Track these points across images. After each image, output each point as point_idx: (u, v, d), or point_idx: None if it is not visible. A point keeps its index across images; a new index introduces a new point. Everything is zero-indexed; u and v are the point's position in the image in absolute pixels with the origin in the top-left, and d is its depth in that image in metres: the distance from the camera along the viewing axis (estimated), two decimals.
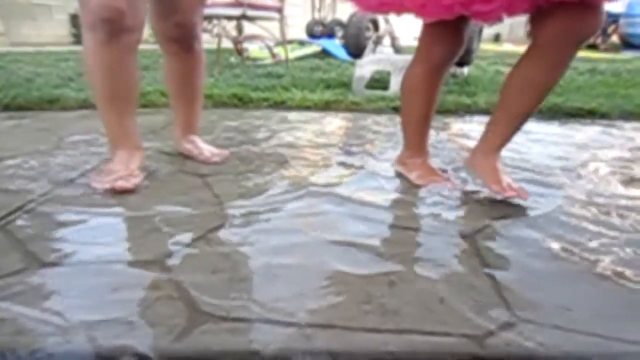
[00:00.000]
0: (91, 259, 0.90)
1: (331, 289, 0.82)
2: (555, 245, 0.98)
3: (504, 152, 1.28)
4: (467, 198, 1.24)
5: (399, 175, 1.41)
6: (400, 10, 1.12)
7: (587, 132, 2.05)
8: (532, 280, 0.86)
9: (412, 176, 1.36)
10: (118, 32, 1.16)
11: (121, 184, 1.21)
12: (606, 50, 5.88)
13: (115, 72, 1.22)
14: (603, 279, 0.87)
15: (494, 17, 1.03)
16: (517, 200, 1.19)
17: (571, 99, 2.51)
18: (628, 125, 2.21)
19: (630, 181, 1.40)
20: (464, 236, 1.03)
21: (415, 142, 1.39)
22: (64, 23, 7.47)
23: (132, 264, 0.89)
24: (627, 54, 5.61)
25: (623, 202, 1.24)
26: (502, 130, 1.21)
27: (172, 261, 0.90)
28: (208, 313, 0.75)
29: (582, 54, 5.05)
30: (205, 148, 1.54)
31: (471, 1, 1.00)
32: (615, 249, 0.97)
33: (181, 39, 1.38)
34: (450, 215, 1.13)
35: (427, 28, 1.22)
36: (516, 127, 1.20)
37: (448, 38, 1.21)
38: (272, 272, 0.87)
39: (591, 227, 1.08)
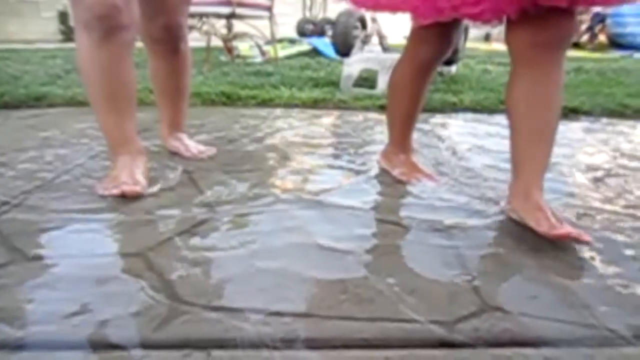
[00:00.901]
0: (75, 252, 0.93)
1: (310, 281, 0.85)
2: (525, 239, 1.02)
3: (489, 147, 1.32)
4: (445, 196, 1.28)
5: (383, 171, 1.44)
6: (394, 10, 1.13)
7: (571, 128, 2.09)
8: (502, 272, 0.90)
9: (395, 172, 1.39)
10: (115, 30, 1.13)
11: (130, 189, 1.16)
12: (594, 49, 5.96)
13: (113, 73, 1.18)
14: (569, 269, 0.91)
15: (484, 19, 1.03)
16: (489, 194, 1.24)
17: None
18: (606, 121, 2.27)
19: (601, 178, 1.45)
20: (437, 229, 1.06)
21: (400, 139, 1.42)
22: (52, 20, 7.43)
23: (115, 257, 0.92)
24: (615, 54, 5.70)
25: (592, 200, 1.28)
26: (534, 160, 1.08)
27: (155, 254, 0.92)
28: (189, 303, 0.77)
29: (569, 53, 5.12)
30: (192, 145, 1.56)
31: (461, 4, 1.01)
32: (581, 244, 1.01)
33: (167, 41, 1.38)
34: (426, 212, 1.17)
35: (416, 28, 1.23)
36: (544, 152, 1.08)
37: (436, 38, 1.22)
38: (253, 265, 0.90)
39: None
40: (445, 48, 1.25)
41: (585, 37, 6.34)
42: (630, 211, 1.20)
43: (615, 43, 6.39)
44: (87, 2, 1.09)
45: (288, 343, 0.69)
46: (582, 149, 1.78)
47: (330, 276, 0.86)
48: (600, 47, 6.33)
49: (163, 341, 0.69)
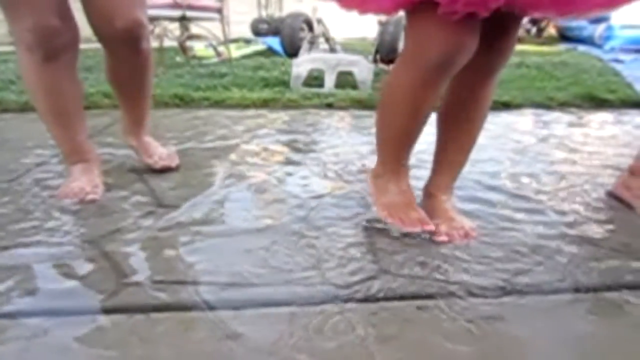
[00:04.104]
0: (39, 240, 1.10)
1: (238, 257, 1.04)
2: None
3: None
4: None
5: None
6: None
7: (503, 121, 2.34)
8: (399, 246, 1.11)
9: (381, 202, 1.18)
10: (56, 52, 1.19)
11: (90, 197, 1.30)
12: (541, 43, 6.32)
13: (58, 91, 1.26)
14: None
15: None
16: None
17: None
18: (534, 113, 2.54)
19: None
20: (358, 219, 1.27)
21: (392, 159, 1.17)
22: (2, 23, 7.29)
23: (73, 244, 1.09)
24: (562, 47, 6.07)
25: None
26: (451, 166, 1.22)
27: (107, 241, 1.10)
28: (135, 280, 0.96)
29: (517, 47, 5.43)
30: (155, 152, 1.54)
31: None
32: (479, 220, 1.24)
33: (128, 41, 1.30)
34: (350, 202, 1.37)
35: (421, 19, 0.94)
36: (463, 160, 1.21)
37: (450, 34, 0.91)
38: (196, 247, 1.09)
39: (469, 206, 1.34)
40: (461, 48, 0.93)
41: (533, 31, 6.70)
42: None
43: (564, 36, 6.78)
44: (27, 25, 1.14)
45: (213, 305, 0.88)
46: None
47: (254, 255, 1.06)
48: (550, 41, 6.71)
49: (111, 307, 0.87)
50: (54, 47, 1.19)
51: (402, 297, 0.91)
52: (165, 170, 1.53)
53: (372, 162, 1.35)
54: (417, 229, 1.11)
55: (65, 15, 1.21)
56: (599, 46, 5.71)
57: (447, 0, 0.85)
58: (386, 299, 0.91)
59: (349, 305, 0.89)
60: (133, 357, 0.76)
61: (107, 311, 0.86)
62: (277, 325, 0.83)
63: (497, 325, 0.84)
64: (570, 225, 1.22)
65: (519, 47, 5.58)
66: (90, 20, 1.26)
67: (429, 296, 0.92)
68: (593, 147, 1.93)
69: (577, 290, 0.95)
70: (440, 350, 0.78)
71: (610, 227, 1.21)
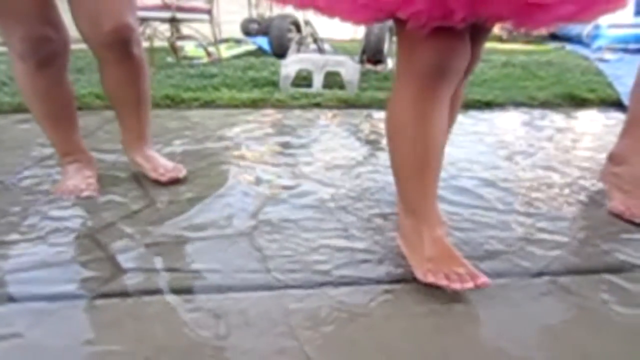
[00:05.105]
0: (37, 235, 1.19)
1: (225, 249, 1.15)
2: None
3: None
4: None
5: (400, 255, 1.11)
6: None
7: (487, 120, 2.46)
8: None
9: (416, 261, 1.02)
10: (48, 59, 1.26)
11: (85, 194, 1.39)
12: (531, 42, 6.45)
13: (52, 96, 1.34)
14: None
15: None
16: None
17: (472, 92, 2.92)
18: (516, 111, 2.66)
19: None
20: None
21: (417, 201, 1.04)
22: None
23: (70, 237, 1.19)
24: (550, 45, 6.20)
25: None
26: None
27: (102, 234, 1.20)
28: (127, 267, 1.06)
29: (503, 46, 5.48)
30: (159, 164, 1.52)
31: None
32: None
33: (117, 46, 1.30)
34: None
35: (410, 35, 0.91)
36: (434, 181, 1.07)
37: (439, 40, 0.90)
38: (184, 239, 1.19)
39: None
40: (456, 54, 0.93)
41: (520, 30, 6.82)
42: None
43: (553, 35, 6.91)
44: (18, 35, 1.20)
45: (200, 289, 0.98)
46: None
47: (236, 246, 1.16)
48: (539, 39, 6.83)
49: (107, 292, 0.97)
50: (45, 55, 1.26)
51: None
52: (172, 183, 1.50)
53: (365, 166, 1.45)
54: (469, 285, 0.94)
55: (56, 23, 1.27)
56: (587, 45, 5.85)
57: (412, 16, 0.86)
58: (352, 284, 1.02)
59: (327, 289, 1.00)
60: (128, 333, 0.86)
61: (103, 296, 0.96)
62: (256, 306, 0.94)
63: (457, 306, 0.95)
64: (534, 216, 1.33)
65: (507, 46, 5.73)
66: (78, 26, 1.28)
67: (397, 281, 1.03)
68: (567, 143, 2.04)
69: (532, 275, 1.06)
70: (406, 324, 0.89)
71: (567, 222, 1.33)
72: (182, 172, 1.53)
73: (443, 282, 0.95)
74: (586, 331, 0.89)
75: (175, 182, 1.50)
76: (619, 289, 1.02)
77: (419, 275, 0.99)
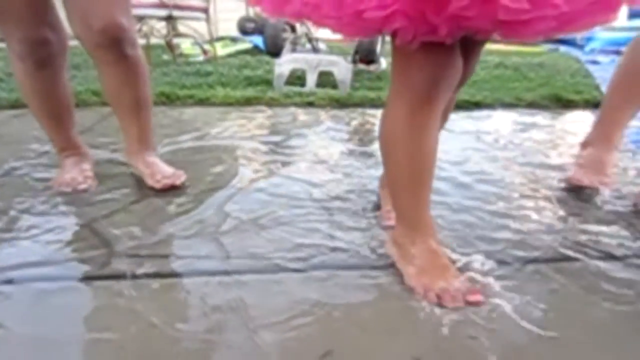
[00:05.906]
0: (36, 224, 1.27)
1: (216, 238, 1.23)
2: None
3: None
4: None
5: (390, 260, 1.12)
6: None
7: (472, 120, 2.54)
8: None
9: (410, 271, 1.04)
10: (47, 60, 1.31)
11: (82, 187, 1.46)
12: (526, 43, 6.54)
13: (50, 95, 1.40)
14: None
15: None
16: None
17: (462, 92, 3.01)
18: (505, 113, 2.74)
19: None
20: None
21: (412, 215, 1.07)
22: None
23: (67, 226, 1.28)
24: (545, 47, 6.30)
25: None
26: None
27: (98, 224, 1.28)
28: (121, 251, 1.14)
29: (497, 47, 5.56)
30: (158, 170, 1.50)
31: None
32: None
33: (109, 46, 1.28)
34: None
35: (403, 48, 0.91)
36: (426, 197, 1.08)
37: (432, 53, 0.91)
38: (179, 227, 1.27)
39: None
40: (450, 70, 0.95)
41: None
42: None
43: None
44: (17, 36, 1.26)
45: (191, 273, 1.07)
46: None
47: (229, 235, 1.24)
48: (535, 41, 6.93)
49: (102, 275, 1.06)
50: (43, 56, 1.31)
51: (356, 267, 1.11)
52: (168, 190, 1.47)
53: (355, 164, 1.53)
54: (460, 304, 0.96)
55: (54, 25, 1.32)
56: (581, 47, 5.96)
57: (397, 32, 0.86)
58: (336, 267, 1.10)
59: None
60: (122, 311, 0.94)
61: (98, 278, 1.05)
62: (235, 289, 1.02)
63: None
64: (520, 210, 1.41)
65: (501, 47, 5.82)
66: (71, 26, 1.28)
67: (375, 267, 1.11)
68: (552, 142, 2.13)
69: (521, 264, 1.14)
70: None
71: (550, 217, 1.41)
72: (181, 179, 1.50)
73: (434, 301, 0.98)
74: (568, 319, 0.95)
75: (171, 188, 1.48)
76: (603, 275, 1.08)
77: (412, 285, 1.02)
